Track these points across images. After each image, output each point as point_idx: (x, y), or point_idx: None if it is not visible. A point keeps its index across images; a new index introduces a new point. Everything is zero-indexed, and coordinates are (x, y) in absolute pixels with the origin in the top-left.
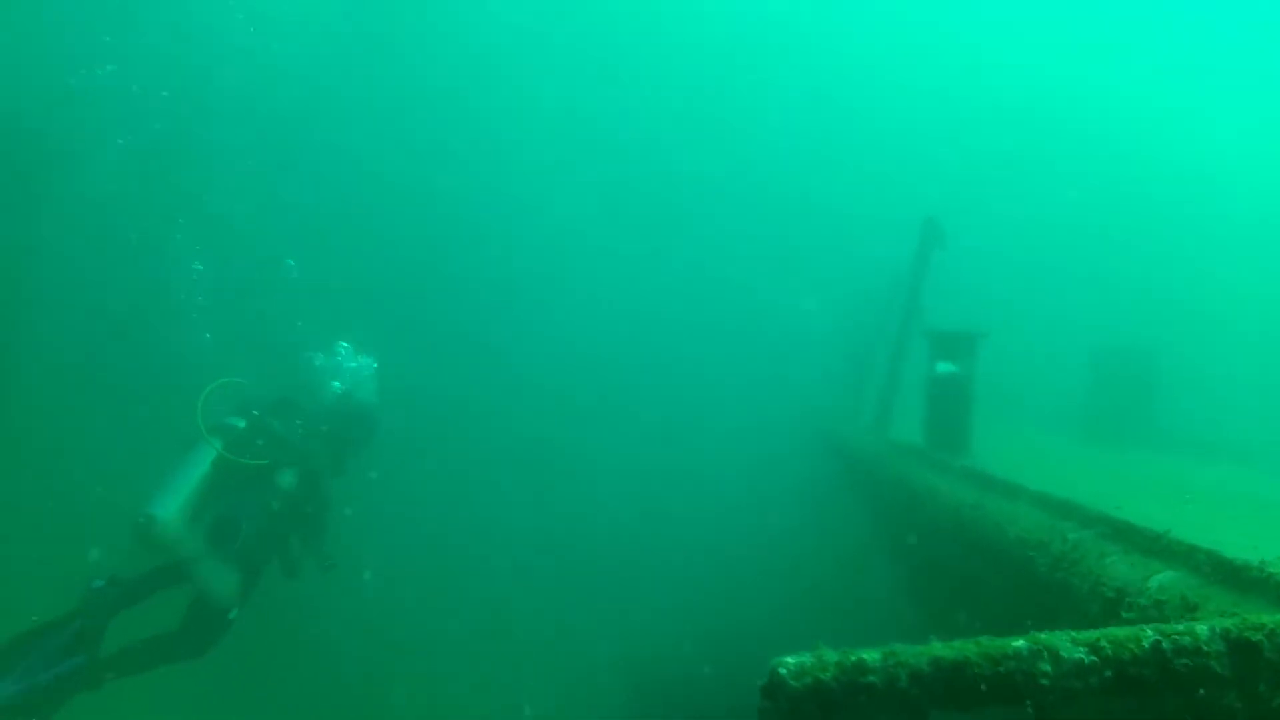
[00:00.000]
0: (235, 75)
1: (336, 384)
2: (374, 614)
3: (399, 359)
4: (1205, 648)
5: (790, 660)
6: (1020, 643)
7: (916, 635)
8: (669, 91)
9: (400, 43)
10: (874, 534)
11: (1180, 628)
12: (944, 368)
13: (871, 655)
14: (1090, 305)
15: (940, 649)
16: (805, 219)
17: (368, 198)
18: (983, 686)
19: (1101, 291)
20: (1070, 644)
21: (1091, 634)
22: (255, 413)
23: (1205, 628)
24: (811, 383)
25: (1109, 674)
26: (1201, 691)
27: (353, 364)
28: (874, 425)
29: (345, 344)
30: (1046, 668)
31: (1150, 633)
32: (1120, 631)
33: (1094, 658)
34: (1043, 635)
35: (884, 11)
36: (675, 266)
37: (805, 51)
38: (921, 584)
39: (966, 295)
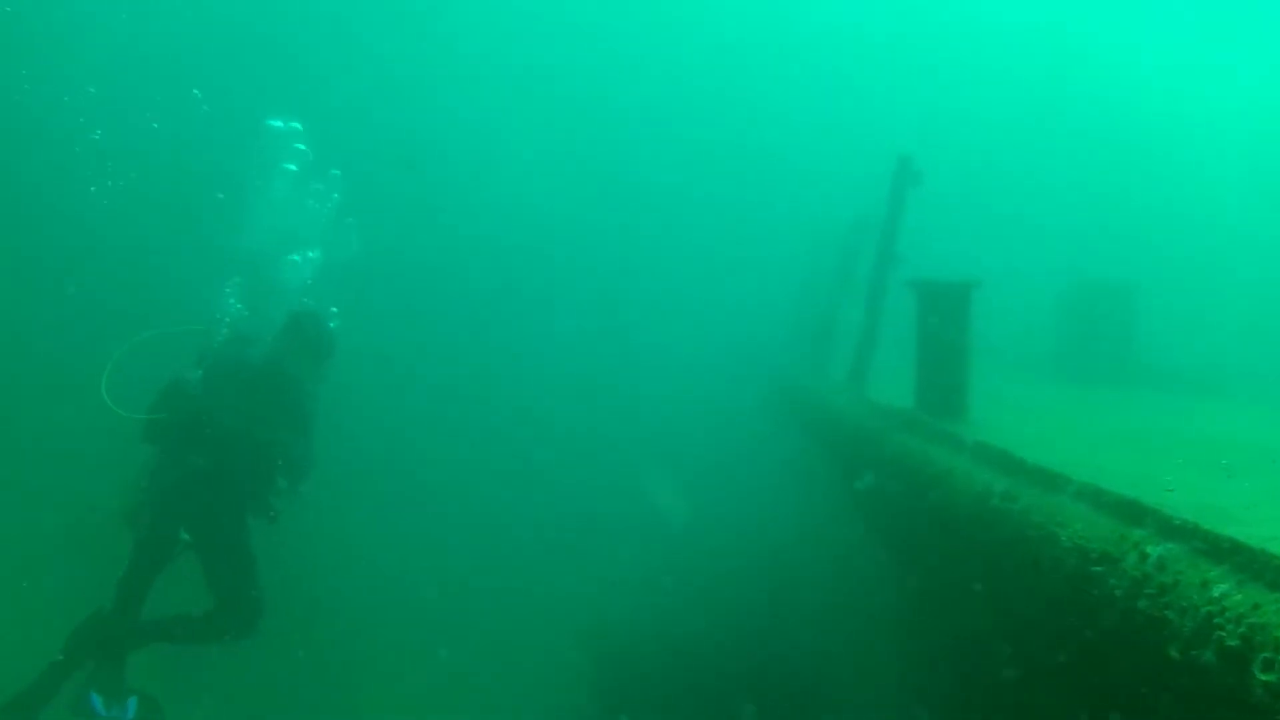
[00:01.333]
0: None
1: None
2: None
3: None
4: None
5: None
6: None
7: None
8: (615, 43)
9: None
10: (857, 512)
11: None
12: None
13: None
14: (1053, 241)
15: None
16: (758, 162)
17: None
18: None
19: (1064, 227)
20: None
21: None
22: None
23: None
24: (772, 334)
25: None
26: None
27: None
28: (850, 383)
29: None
30: None
31: None
32: None
33: None
34: None
35: None
36: (622, 223)
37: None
38: (929, 585)
39: (926, 234)
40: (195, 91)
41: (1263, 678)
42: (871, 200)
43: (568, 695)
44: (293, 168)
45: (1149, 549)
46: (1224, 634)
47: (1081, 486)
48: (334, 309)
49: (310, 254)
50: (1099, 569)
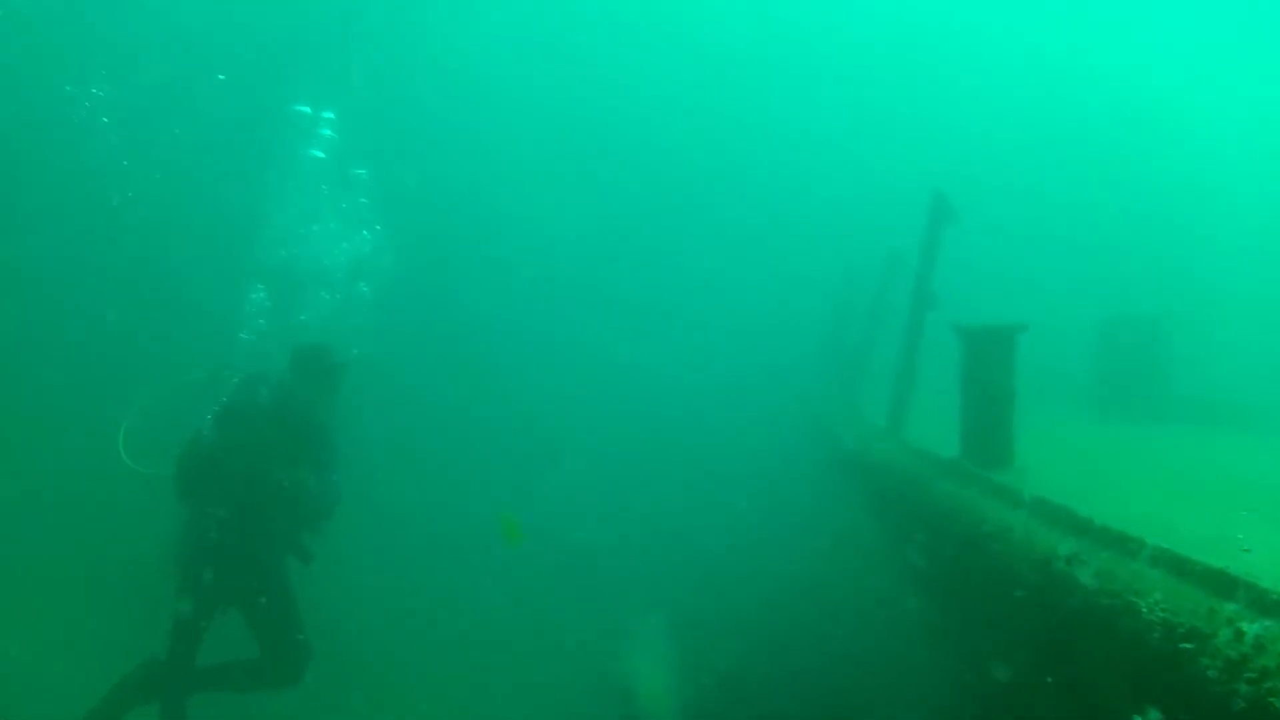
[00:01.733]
0: None
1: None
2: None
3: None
4: None
5: None
6: None
7: None
8: (640, 74)
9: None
10: (896, 558)
11: None
12: None
13: None
14: (1080, 274)
15: None
16: (783, 197)
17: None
18: None
19: (1092, 260)
20: None
21: None
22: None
23: None
24: (798, 372)
25: None
26: None
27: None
28: (889, 429)
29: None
30: None
31: None
32: None
33: None
34: None
35: None
36: (648, 254)
37: (784, 20)
38: (981, 645)
39: (958, 269)
40: (220, 76)
41: None
42: (901, 232)
43: None
44: (319, 154)
45: (1244, 626)
46: None
47: (1157, 551)
48: (364, 288)
49: (337, 240)
50: (1189, 646)
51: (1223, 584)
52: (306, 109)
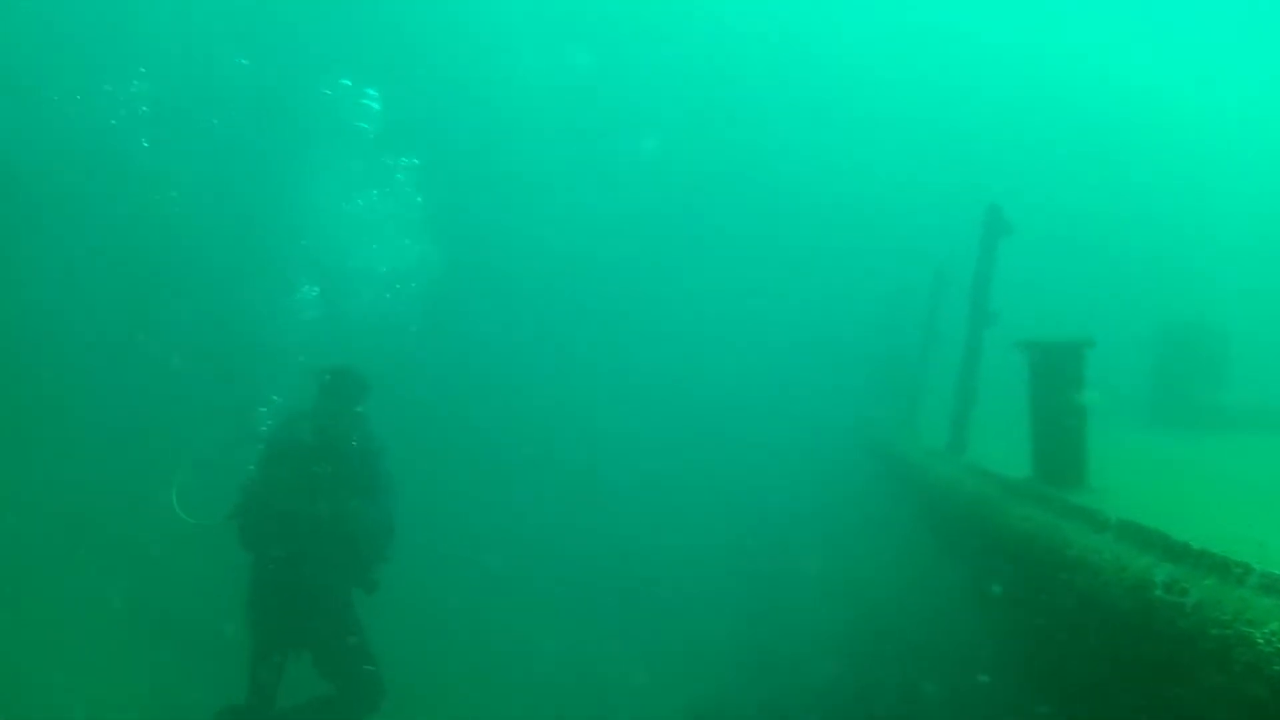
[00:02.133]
0: None
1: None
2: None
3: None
4: None
5: None
6: None
7: None
8: (680, 82)
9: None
10: (962, 582)
11: None
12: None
13: None
14: (1125, 284)
15: None
16: (829, 212)
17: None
18: None
19: (1130, 269)
20: None
21: None
22: None
23: None
24: (847, 389)
25: None
26: None
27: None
28: (951, 448)
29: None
30: None
31: None
32: None
33: None
34: None
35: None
36: (691, 267)
37: (824, 38)
38: (1073, 684)
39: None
40: (242, 61)
41: None
42: (942, 248)
43: None
44: (366, 126)
45: None
46: None
47: (1268, 577)
48: (404, 245)
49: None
50: None
51: None
52: (348, 81)
